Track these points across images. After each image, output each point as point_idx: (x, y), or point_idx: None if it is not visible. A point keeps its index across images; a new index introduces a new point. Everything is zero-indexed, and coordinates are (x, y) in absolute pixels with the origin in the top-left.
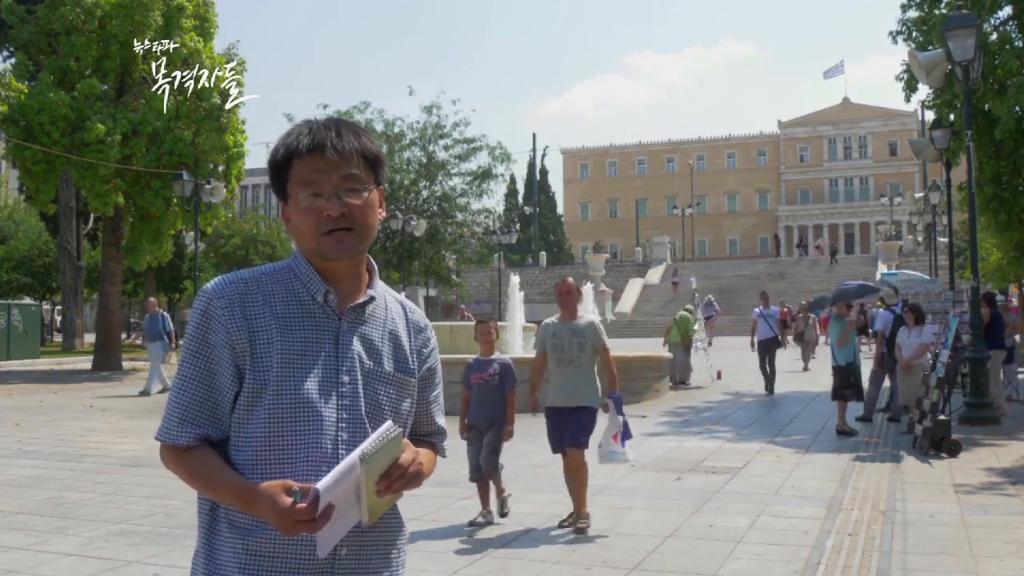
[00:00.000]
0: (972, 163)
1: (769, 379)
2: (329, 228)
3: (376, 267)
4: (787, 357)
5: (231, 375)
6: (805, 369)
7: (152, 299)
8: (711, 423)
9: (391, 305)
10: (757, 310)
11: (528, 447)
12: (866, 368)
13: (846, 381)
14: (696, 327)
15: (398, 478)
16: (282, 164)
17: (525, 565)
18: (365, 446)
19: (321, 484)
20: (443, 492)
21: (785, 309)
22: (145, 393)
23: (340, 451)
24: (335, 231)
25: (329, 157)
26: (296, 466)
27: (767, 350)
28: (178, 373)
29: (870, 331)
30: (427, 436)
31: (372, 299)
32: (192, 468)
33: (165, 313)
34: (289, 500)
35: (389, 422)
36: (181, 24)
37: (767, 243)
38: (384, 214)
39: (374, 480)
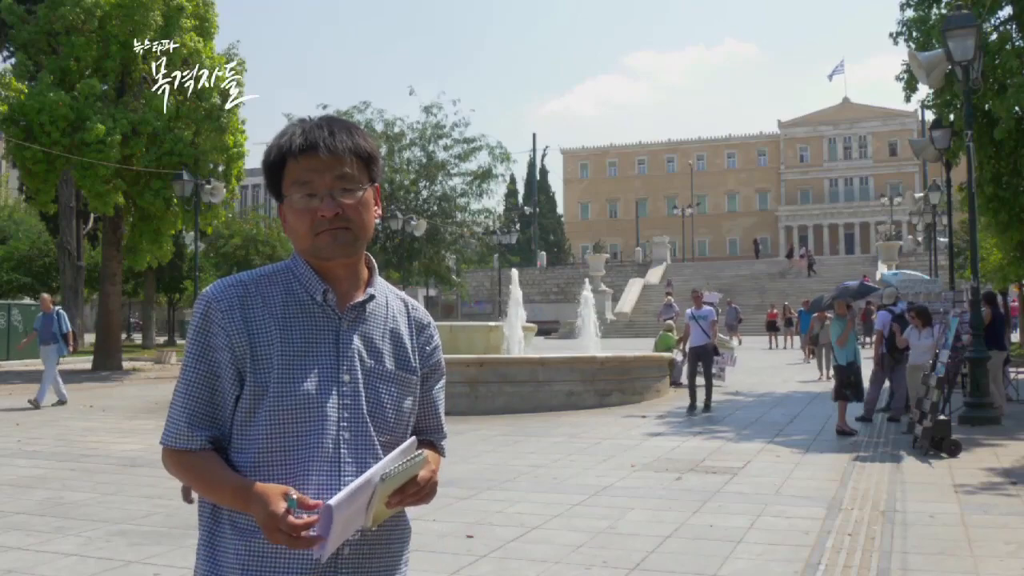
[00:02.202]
0: (972, 163)
1: (706, 390)
2: (324, 228)
3: (376, 265)
4: (782, 361)
5: (232, 378)
6: (829, 378)
7: (45, 295)
8: (711, 423)
9: (392, 303)
10: (689, 311)
11: (527, 447)
12: (867, 368)
13: (846, 380)
14: (678, 339)
15: (413, 494)
16: (276, 164)
17: (525, 565)
18: (387, 466)
19: (334, 501)
20: (443, 492)
21: (775, 311)
22: (35, 404)
23: (342, 450)
24: (330, 229)
25: (322, 157)
26: (299, 466)
27: (698, 358)
28: (182, 377)
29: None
30: (428, 435)
31: (372, 297)
32: (195, 469)
33: (61, 311)
34: (284, 505)
35: (413, 439)
36: (181, 24)
37: (767, 243)
38: (380, 211)
39: (388, 493)
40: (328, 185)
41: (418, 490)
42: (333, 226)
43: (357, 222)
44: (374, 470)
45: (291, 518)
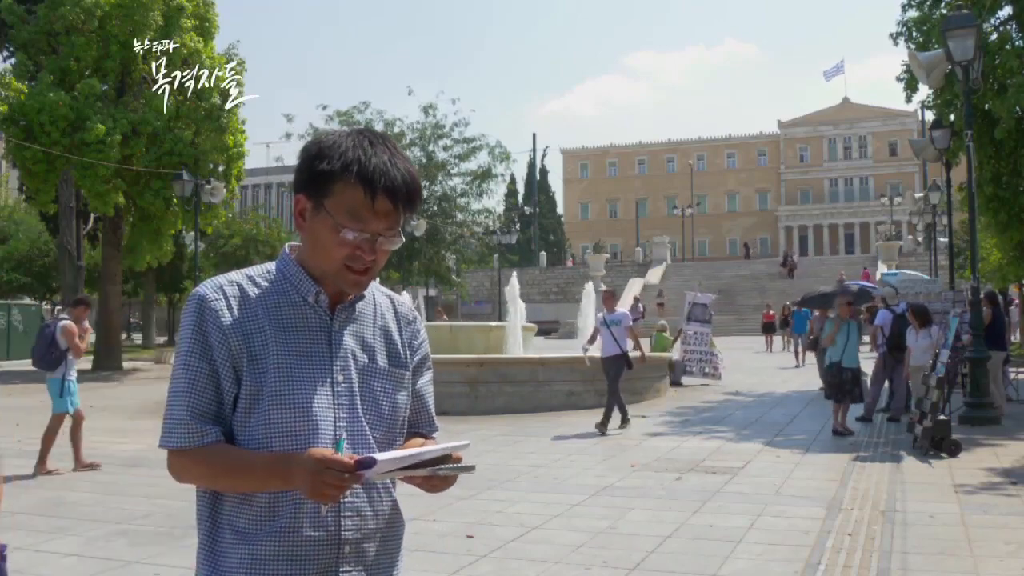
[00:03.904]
0: (972, 163)
1: (606, 407)
2: (355, 265)
3: None
4: (775, 364)
5: (230, 377)
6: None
7: None
8: (711, 423)
9: (380, 300)
10: (600, 316)
11: (527, 447)
12: (868, 368)
13: (835, 381)
14: (673, 339)
15: (433, 484)
16: (339, 175)
17: (525, 565)
18: (441, 454)
19: (380, 456)
20: (443, 491)
21: (771, 312)
22: None
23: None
24: (359, 272)
25: (394, 208)
26: None
27: (609, 370)
28: (182, 375)
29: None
30: (419, 428)
31: (361, 297)
32: (214, 460)
33: None
34: (331, 451)
35: (467, 443)
36: (181, 24)
37: (767, 243)
38: None
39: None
40: (380, 230)
41: (441, 486)
42: (364, 267)
43: (379, 264)
44: (424, 451)
45: (339, 456)
